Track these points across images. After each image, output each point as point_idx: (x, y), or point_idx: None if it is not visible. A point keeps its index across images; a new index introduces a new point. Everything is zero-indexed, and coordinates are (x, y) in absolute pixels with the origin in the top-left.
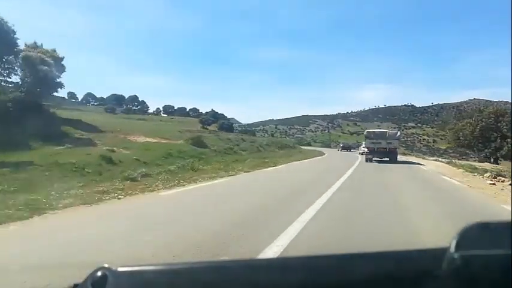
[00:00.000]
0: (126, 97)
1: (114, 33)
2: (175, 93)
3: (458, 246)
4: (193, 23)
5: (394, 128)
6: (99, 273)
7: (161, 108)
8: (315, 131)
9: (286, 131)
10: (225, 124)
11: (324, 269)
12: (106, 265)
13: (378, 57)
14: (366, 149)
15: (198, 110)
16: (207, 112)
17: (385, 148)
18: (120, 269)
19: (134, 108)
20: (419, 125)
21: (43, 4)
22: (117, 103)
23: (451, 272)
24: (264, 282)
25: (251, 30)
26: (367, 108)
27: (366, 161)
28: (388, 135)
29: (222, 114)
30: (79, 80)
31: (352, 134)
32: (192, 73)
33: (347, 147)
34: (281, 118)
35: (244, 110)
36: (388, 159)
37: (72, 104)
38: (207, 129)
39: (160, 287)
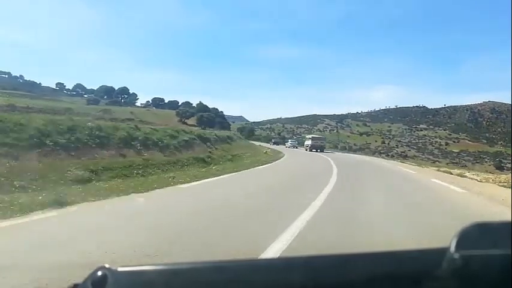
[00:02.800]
0: (116, 89)
1: (120, 28)
2: (180, 89)
3: (458, 246)
4: (203, 20)
5: (405, 129)
6: (99, 273)
7: (150, 101)
8: (323, 131)
9: (293, 130)
10: (205, 117)
11: (324, 269)
12: (106, 265)
13: (390, 57)
14: (309, 144)
15: (191, 104)
16: (196, 105)
17: (319, 145)
18: (120, 269)
19: (121, 100)
20: (431, 127)
21: None
22: (106, 94)
23: (451, 272)
24: (264, 282)
25: (261, 28)
26: (377, 109)
27: (310, 150)
28: (321, 138)
29: (216, 109)
30: (76, 72)
31: (361, 134)
32: (200, 70)
33: (277, 142)
34: (289, 117)
35: (253, 109)
36: (320, 150)
37: (62, 94)
38: (185, 123)
39: (160, 287)
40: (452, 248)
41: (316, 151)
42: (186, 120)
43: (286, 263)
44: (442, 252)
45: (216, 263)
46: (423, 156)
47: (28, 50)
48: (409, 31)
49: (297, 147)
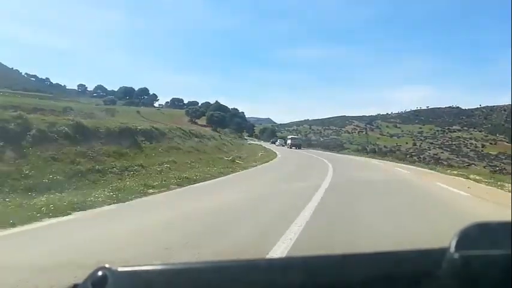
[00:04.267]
0: (136, 90)
1: (146, 31)
2: (206, 92)
3: (458, 246)
4: (231, 22)
5: (437, 131)
6: (99, 273)
7: (169, 102)
8: (352, 132)
9: (320, 132)
10: (215, 116)
11: (324, 269)
12: (106, 265)
13: (421, 57)
14: (289, 143)
15: (211, 104)
16: (213, 104)
17: (297, 144)
18: (120, 269)
19: (138, 100)
20: (465, 128)
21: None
22: (127, 95)
23: (451, 272)
24: (264, 282)
25: (288, 30)
26: (408, 110)
27: (290, 147)
28: (298, 139)
29: (236, 109)
30: (99, 74)
31: (391, 136)
32: (226, 72)
33: (274, 141)
34: (316, 118)
35: (280, 111)
36: (298, 148)
37: (84, 95)
38: (196, 122)
39: (161, 287)
40: (452, 248)
41: (296, 148)
42: (196, 120)
43: (285, 263)
44: (442, 252)
45: (216, 263)
46: (457, 159)
47: (55, 54)
48: (441, 29)
49: (283, 146)
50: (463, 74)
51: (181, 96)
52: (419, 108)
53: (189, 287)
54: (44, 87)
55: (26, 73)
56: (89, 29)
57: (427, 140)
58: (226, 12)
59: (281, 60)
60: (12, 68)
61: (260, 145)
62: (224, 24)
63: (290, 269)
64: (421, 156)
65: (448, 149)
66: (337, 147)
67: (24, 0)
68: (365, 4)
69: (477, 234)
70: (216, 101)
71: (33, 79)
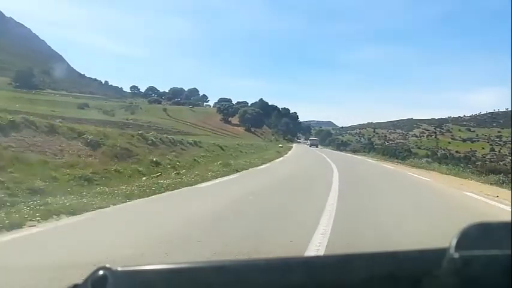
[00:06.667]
0: (186, 90)
1: (208, 36)
2: (265, 95)
3: (458, 246)
4: (289, 24)
5: None
6: (99, 273)
7: (217, 102)
8: (420, 136)
9: (385, 136)
10: (249, 114)
11: (323, 269)
12: (107, 265)
13: (494, 56)
14: (309, 143)
15: (268, 103)
16: (255, 102)
17: (315, 143)
18: (120, 269)
19: (185, 101)
20: None
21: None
22: (177, 96)
23: (451, 272)
24: (264, 282)
25: (351, 30)
26: (483, 112)
27: (310, 146)
28: (316, 140)
29: (286, 109)
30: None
31: (464, 140)
32: (284, 74)
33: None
34: (381, 121)
35: (342, 114)
36: (316, 147)
37: (137, 96)
38: (229, 121)
39: (160, 287)
40: (452, 248)
41: (315, 147)
42: (230, 119)
43: (285, 263)
44: (442, 252)
45: (216, 262)
46: None
47: (113, 58)
48: None
49: (309, 146)
50: None
51: (237, 99)
52: (496, 110)
53: (189, 287)
54: (103, 89)
55: (89, 77)
56: (149, 35)
57: (507, 145)
58: (285, 14)
59: (343, 62)
60: (83, 73)
61: (287, 146)
62: (282, 27)
63: (290, 269)
64: (501, 163)
65: None
66: (404, 152)
67: (83, 9)
68: (429, 1)
69: (477, 234)
70: (260, 99)
71: (96, 82)
